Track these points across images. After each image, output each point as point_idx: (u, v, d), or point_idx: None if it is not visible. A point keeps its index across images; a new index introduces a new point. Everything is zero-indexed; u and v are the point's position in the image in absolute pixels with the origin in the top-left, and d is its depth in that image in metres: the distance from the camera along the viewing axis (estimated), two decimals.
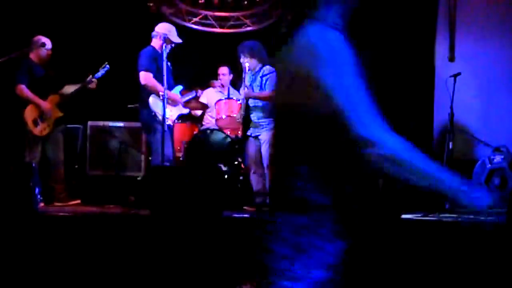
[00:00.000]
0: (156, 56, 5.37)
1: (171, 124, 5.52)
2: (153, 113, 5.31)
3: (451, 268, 3.88)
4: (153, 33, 5.50)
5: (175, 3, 7.38)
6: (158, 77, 5.33)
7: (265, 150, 5.61)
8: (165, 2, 7.32)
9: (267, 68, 5.64)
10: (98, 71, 5.84)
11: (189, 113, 6.31)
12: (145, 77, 5.32)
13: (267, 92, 5.59)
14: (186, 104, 5.81)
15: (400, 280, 3.83)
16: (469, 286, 3.83)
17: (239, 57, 5.70)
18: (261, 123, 5.67)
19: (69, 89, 5.79)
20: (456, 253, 3.93)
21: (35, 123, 5.58)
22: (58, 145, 5.78)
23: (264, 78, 5.61)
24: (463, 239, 4.01)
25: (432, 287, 3.83)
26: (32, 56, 5.73)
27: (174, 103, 5.57)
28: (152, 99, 5.33)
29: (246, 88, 5.69)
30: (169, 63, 5.50)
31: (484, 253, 3.92)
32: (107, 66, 5.85)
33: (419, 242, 3.98)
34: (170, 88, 5.42)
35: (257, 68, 5.69)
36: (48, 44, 5.79)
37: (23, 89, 5.56)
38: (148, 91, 5.36)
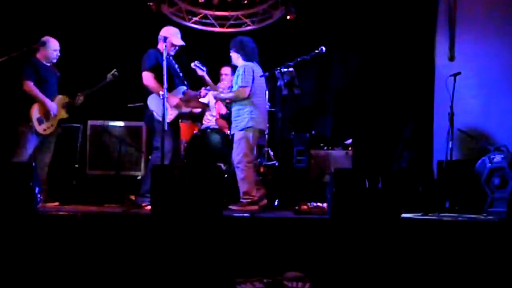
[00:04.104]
0: (158, 58, 5.40)
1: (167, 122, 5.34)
2: (151, 112, 5.34)
3: (450, 267, 3.88)
4: (158, 36, 5.51)
5: (176, 2, 7.38)
6: (161, 78, 5.33)
7: (233, 148, 5.40)
8: (165, 2, 7.32)
9: (243, 65, 5.38)
10: (106, 77, 5.81)
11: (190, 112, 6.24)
12: (146, 77, 5.37)
13: (235, 91, 5.38)
14: (186, 104, 5.77)
15: (400, 279, 3.83)
16: (469, 285, 3.84)
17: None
18: (233, 122, 5.45)
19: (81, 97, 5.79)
20: (456, 252, 3.93)
21: (40, 121, 5.58)
22: (50, 147, 5.76)
23: (236, 75, 5.41)
24: (462, 238, 4.01)
25: (432, 286, 3.83)
26: (39, 56, 5.70)
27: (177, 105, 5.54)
28: (150, 99, 5.37)
29: (213, 91, 5.65)
30: (176, 65, 5.56)
31: (484, 252, 3.92)
32: (116, 73, 5.82)
33: (418, 241, 3.98)
34: (173, 88, 5.42)
35: (239, 64, 5.45)
36: (56, 45, 5.76)
37: (31, 86, 5.54)
38: (148, 91, 5.39)
